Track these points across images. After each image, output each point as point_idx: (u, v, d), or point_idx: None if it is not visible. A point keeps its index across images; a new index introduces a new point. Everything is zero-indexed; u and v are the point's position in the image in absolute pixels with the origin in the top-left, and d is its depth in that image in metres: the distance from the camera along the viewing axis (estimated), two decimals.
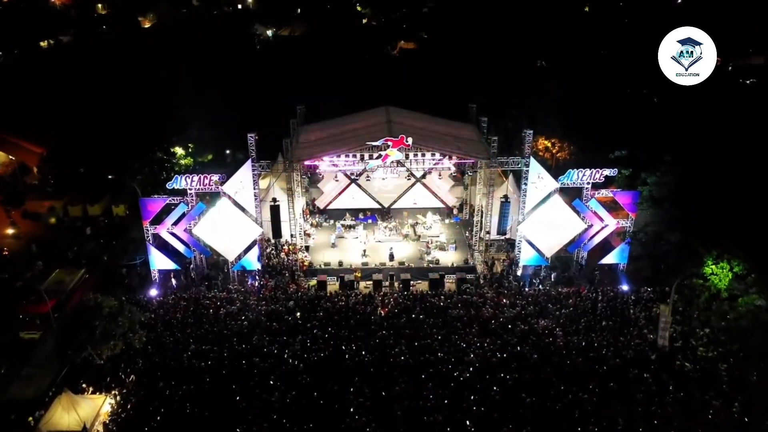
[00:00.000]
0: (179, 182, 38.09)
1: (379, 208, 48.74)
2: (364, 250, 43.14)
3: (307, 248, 43.76)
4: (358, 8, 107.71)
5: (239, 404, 28.78)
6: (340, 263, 41.74)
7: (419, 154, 40.19)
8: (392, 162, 40.13)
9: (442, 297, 37.58)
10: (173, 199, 39.06)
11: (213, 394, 29.19)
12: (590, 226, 39.41)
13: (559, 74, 67.35)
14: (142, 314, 34.20)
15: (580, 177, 38.25)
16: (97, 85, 63.67)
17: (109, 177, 52.88)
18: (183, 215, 38.99)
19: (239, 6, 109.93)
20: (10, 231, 47.99)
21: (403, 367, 30.96)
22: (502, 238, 42.57)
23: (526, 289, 38.74)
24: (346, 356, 31.85)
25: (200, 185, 38.39)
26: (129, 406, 28.92)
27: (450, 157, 40.95)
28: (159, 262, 39.79)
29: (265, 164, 38.97)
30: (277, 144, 43.14)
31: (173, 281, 40.05)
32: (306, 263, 41.95)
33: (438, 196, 49.04)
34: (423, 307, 36.31)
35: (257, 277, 39.95)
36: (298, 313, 35.69)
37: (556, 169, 44.44)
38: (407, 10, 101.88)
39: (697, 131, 50.92)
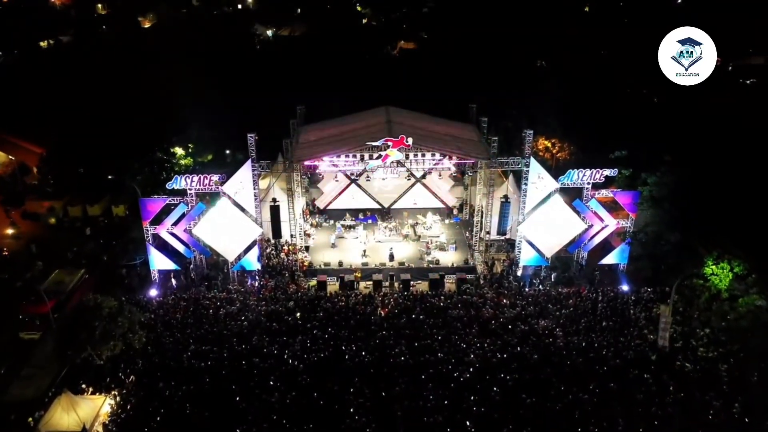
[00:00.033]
0: (179, 182, 38.09)
1: (379, 209, 48.70)
2: (364, 251, 43.11)
3: (307, 248, 43.73)
4: (358, 8, 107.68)
5: (239, 405, 28.75)
6: (340, 263, 41.71)
7: (419, 154, 40.16)
8: (392, 162, 40.11)
9: (442, 297, 37.56)
10: (173, 200, 39.05)
11: (213, 395, 29.16)
12: (590, 226, 39.39)
13: (559, 74, 67.33)
14: (141, 314, 34.18)
15: (580, 177, 38.25)
16: (97, 85, 63.63)
17: (109, 177, 52.85)
18: (183, 215, 38.97)
19: (239, 6, 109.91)
20: (9, 231, 47.97)
21: (403, 368, 30.94)
22: (502, 238, 42.55)
23: (527, 289, 38.72)
24: (346, 357, 31.82)
25: (200, 185, 38.38)
26: (129, 407, 28.89)
27: (450, 158, 40.92)
28: (159, 262, 39.76)
29: (265, 164, 38.96)
30: (277, 144, 43.11)
31: (173, 281, 40.02)
32: (306, 263, 41.92)
33: (438, 196, 49.00)
34: (423, 307, 36.28)
35: (257, 278, 39.93)
36: (298, 314, 35.66)
37: (556, 170, 44.43)
38: (407, 10, 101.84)
39: (697, 131, 50.91)
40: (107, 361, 31.28)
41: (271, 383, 29.87)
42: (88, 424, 27.62)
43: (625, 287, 38.50)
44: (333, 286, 39.63)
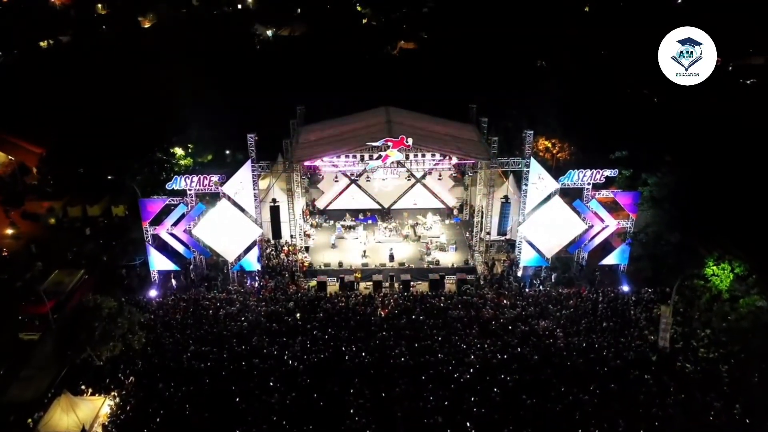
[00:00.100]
0: (179, 183, 38.03)
1: (379, 209, 48.64)
2: (364, 251, 43.06)
3: (306, 249, 43.68)
4: (358, 8, 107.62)
5: (239, 405, 28.70)
6: (340, 264, 41.66)
7: (419, 154, 40.11)
8: (392, 162, 40.05)
9: (443, 298, 37.52)
10: (173, 200, 39.00)
11: (212, 396, 29.11)
12: (591, 226, 39.35)
13: (559, 74, 67.30)
14: (141, 315, 34.10)
15: (580, 177, 38.20)
16: (97, 85, 63.54)
17: (109, 177, 52.80)
18: (182, 216, 38.92)
19: (239, 6, 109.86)
20: (9, 231, 47.90)
21: (403, 369, 30.88)
22: (503, 238, 42.49)
23: (527, 290, 38.66)
24: (346, 357, 31.77)
25: (200, 186, 38.33)
26: (128, 408, 28.82)
27: (450, 158, 40.87)
28: (158, 262, 39.70)
29: (264, 165, 38.89)
30: (277, 144, 43.06)
31: (173, 282, 39.97)
32: (306, 264, 41.86)
33: (438, 196, 48.93)
34: (423, 308, 36.23)
35: (257, 278, 39.88)
36: (298, 314, 35.61)
37: (556, 170, 44.40)
38: (407, 10, 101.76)
39: (697, 131, 50.88)
40: (107, 362, 31.21)
41: (271, 384, 29.82)
42: (87, 425, 27.59)
43: (625, 288, 38.45)
44: (333, 286, 39.58)
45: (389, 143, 38.42)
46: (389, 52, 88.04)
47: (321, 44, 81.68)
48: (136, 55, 73.65)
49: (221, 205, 38.57)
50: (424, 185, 48.05)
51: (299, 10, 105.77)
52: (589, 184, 38.37)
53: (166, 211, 39.44)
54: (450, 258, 42.85)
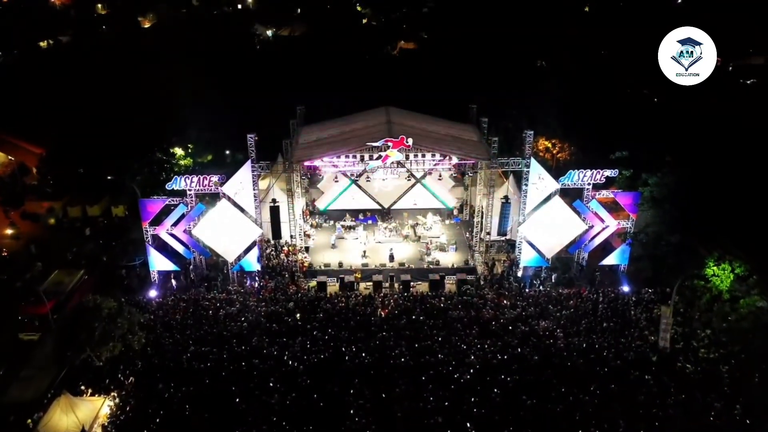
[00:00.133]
0: (179, 183, 37.99)
1: (379, 209, 48.60)
2: (364, 251, 43.04)
3: (306, 249, 43.65)
4: (358, 8, 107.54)
5: (239, 406, 28.67)
6: (340, 264, 41.63)
7: (419, 154, 40.08)
8: (392, 163, 40.02)
9: (443, 298, 37.49)
10: (173, 200, 38.97)
11: (212, 396, 29.09)
12: (591, 227, 39.32)
13: (559, 74, 67.26)
14: (141, 315, 34.05)
15: (580, 178, 38.17)
16: (96, 85, 63.47)
17: (109, 178, 52.75)
18: (182, 216, 38.90)
19: (239, 6, 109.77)
20: (9, 232, 47.87)
21: (403, 369, 30.86)
22: (503, 239, 42.46)
23: (527, 290, 38.64)
24: (346, 358, 31.75)
25: (200, 186, 38.30)
26: (128, 408, 28.81)
27: (450, 158, 40.84)
28: (158, 263, 39.67)
29: (264, 165, 38.85)
30: (277, 145, 43.05)
31: (173, 282, 39.94)
32: (306, 264, 41.83)
33: (438, 197, 48.84)
34: (423, 308, 36.22)
35: (257, 278, 39.85)
36: (298, 315, 35.58)
37: (556, 170, 44.38)
38: (407, 10, 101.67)
39: (697, 131, 50.84)
40: (106, 363, 31.18)
41: (271, 384, 29.80)
42: (87, 426, 27.57)
43: (625, 288, 38.43)
44: (333, 286, 39.54)
45: (389, 143, 38.39)
46: (389, 52, 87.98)
47: (321, 44, 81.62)
48: (136, 55, 73.58)
49: (221, 205, 38.55)
50: (424, 185, 47.93)
51: (299, 10, 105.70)
52: (589, 184, 38.35)
53: (166, 211, 39.43)
54: (450, 258, 42.82)
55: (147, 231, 39.06)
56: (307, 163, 41.19)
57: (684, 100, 56.45)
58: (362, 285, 39.64)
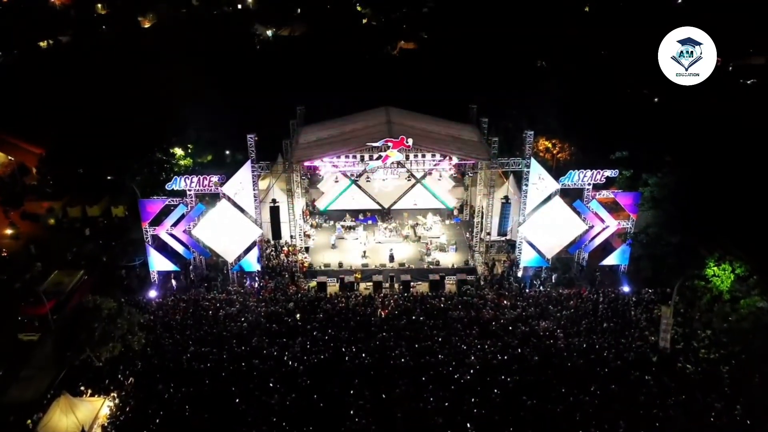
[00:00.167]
0: (178, 183, 37.96)
1: (379, 209, 48.55)
2: (364, 252, 43.02)
3: (306, 249, 43.61)
4: (358, 8, 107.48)
5: (239, 406, 28.64)
6: (340, 264, 41.60)
7: (419, 155, 40.04)
8: (392, 163, 39.98)
9: (443, 298, 37.46)
10: (172, 201, 38.95)
11: (212, 397, 29.06)
12: (591, 227, 39.30)
13: (559, 74, 67.24)
14: (141, 316, 34.03)
15: (580, 178, 38.15)
16: (96, 85, 63.42)
17: (109, 178, 52.72)
18: (182, 216, 38.87)
19: (239, 6, 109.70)
20: (8, 232, 47.84)
21: (403, 369, 30.85)
22: (503, 239, 42.42)
23: (527, 290, 38.61)
24: (346, 358, 31.73)
25: (200, 186, 38.27)
26: (128, 409, 28.78)
27: (450, 158, 40.80)
28: (158, 263, 39.64)
29: (264, 165, 38.82)
30: (277, 145, 43.03)
31: (173, 282, 39.91)
32: (306, 264, 41.80)
33: (438, 197, 48.80)
34: (423, 308, 36.19)
35: (257, 279, 39.82)
36: (298, 315, 35.55)
37: (556, 170, 44.35)
38: (407, 10, 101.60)
39: (697, 131, 50.81)
40: (106, 363, 31.16)
41: (271, 385, 29.77)
42: (86, 427, 27.54)
43: (626, 288, 38.40)
44: (333, 287, 39.51)
45: (389, 144, 38.36)
46: (389, 52, 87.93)
47: (321, 44, 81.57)
48: (136, 55, 73.52)
49: (221, 205, 38.51)
50: (424, 185, 47.87)
51: (299, 10, 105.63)
52: (589, 184, 38.32)
53: (166, 211, 39.41)
54: (450, 258, 42.79)
55: (147, 231, 39.03)
56: (307, 164, 41.14)
57: (684, 100, 56.43)
58: (362, 285, 39.61)
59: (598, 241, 39.86)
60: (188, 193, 38.40)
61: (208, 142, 56.81)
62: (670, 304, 32.49)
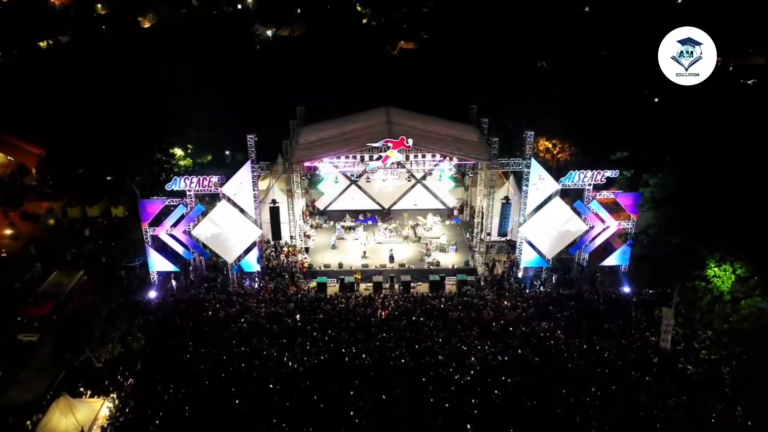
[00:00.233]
0: (178, 183, 37.90)
1: (379, 210, 48.51)
2: (364, 252, 42.96)
3: (306, 250, 43.56)
4: (358, 8, 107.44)
5: (239, 407, 28.58)
6: (340, 265, 41.53)
7: (419, 155, 39.98)
8: (392, 163, 39.94)
9: (443, 299, 37.40)
10: (172, 201, 38.89)
11: (212, 397, 28.99)
12: (591, 227, 39.24)
13: (559, 74, 67.21)
14: (141, 316, 33.97)
15: (581, 178, 38.09)
16: (96, 85, 63.39)
17: (108, 178, 52.69)
18: (182, 217, 38.81)
19: (239, 6, 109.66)
20: (8, 232, 47.80)
21: (403, 370, 30.76)
22: (503, 239, 42.37)
23: (527, 291, 38.56)
24: (346, 359, 31.66)
25: (199, 187, 38.21)
26: (127, 410, 28.70)
27: (450, 159, 40.75)
28: (158, 264, 39.58)
29: (264, 165, 38.77)
30: (277, 145, 42.97)
31: (173, 283, 39.85)
32: (306, 265, 41.75)
33: (438, 197, 48.76)
34: (423, 309, 36.12)
35: (257, 279, 39.76)
36: (298, 316, 35.50)
37: (557, 170, 44.28)
38: (407, 10, 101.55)
39: (697, 131, 50.75)
40: (106, 364, 31.13)
41: (271, 386, 29.70)
42: (86, 428, 27.49)
43: (626, 289, 38.34)
44: (333, 287, 39.44)
45: (389, 144, 38.29)
46: (389, 52, 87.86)
47: (321, 44, 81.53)
48: (136, 55, 73.48)
49: (221, 206, 38.45)
50: (425, 186, 47.80)
51: (299, 10, 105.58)
52: (589, 184, 38.27)
53: (166, 212, 39.34)
54: (450, 259, 42.73)
55: (146, 232, 38.97)
56: (306, 164, 41.10)
57: (684, 100, 56.35)
58: (362, 286, 39.56)
59: (598, 241, 39.81)
60: (188, 193, 38.34)
61: (208, 142, 56.74)
62: (670, 304, 32.45)
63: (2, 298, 38.68)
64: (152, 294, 38.53)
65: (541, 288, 38.93)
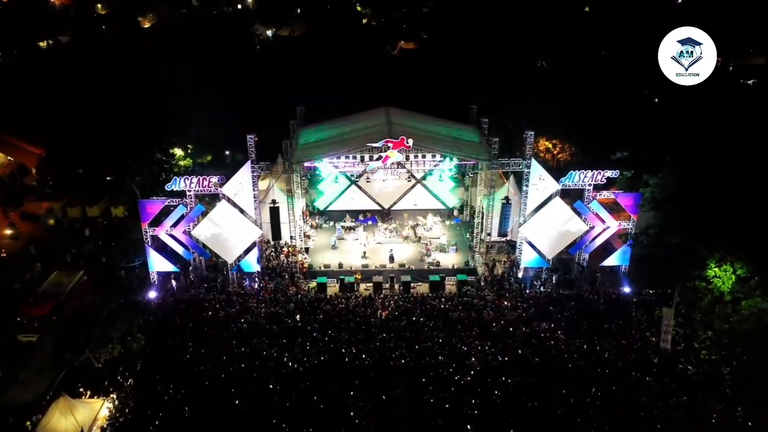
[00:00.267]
0: (178, 184, 37.86)
1: (380, 210, 48.46)
2: (364, 252, 42.94)
3: (306, 250, 43.53)
4: (358, 8, 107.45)
5: (239, 408, 28.56)
6: (340, 265, 41.51)
7: (419, 155, 39.96)
8: (392, 163, 39.91)
9: (443, 299, 37.38)
10: (172, 201, 38.86)
11: (212, 398, 28.97)
12: (592, 227, 39.21)
13: (559, 74, 67.19)
14: (140, 317, 33.95)
15: (581, 178, 38.06)
16: (96, 85, 63.38)
17: (108, 178, 52.66)
18: (182, 217, 38.78)
19: (239, 6, 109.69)
20: (8, 232, 47.77)
21: (403, 371, 30.76)
22: (503, 239, 42.34)
23: (527, 291, 38.54)
24: (346, 359, 31.65)
25: (199, 187, 38.17)
26: (127, 411, 28.69)
27: (450, 159, 40.69)
28: (158, 264, 39.55)
29: (264, 165, 38.74)
30: (277, 145, 42.94)
31: (173, 283, 39.83)
32: (306, 265, 41.72)
33: (438, 197, 48.71)
34: (423, 309, 36.10)
35: (257, 280, 39.74)
36: (298, 316, 35.47)
37: (557, 171, 44.24)
38: (407, 10, 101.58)
39: (697, 131, 50.74)
40: (105, 364, 31.11)
41: (271, 386, 29.68)
42: (86, 428, 27.48)
43: (626, 289, 38.32)
44: (333, 288, 39.42)
45: (389, 144, 38.26)
46: (389, 52, 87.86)
47: (321, 44, 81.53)
48: (136, 55, 73.50)
49: (221, 206, 38.42)
50: (425, 186, 47.73)
51: (299, 10, 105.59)
52: (590, 185, 38.24)
53: (166, 212, 39.31)
54: (450, 259, 42.70)
55: (146, 232, 38.94)
56: (306, 164, 41.06)
57: (684, 100, 56.36)
58: (362, 286, 39.53)
59: (598, 241, 39.78)
60: (188, 193, 38.31)
61: (208, 142, 56.71)
62: (671, 305, 32.44)
63: (2, 298, 38.65)
64: (152, 294, 38.50)
65: (542, 288, 38.91)
